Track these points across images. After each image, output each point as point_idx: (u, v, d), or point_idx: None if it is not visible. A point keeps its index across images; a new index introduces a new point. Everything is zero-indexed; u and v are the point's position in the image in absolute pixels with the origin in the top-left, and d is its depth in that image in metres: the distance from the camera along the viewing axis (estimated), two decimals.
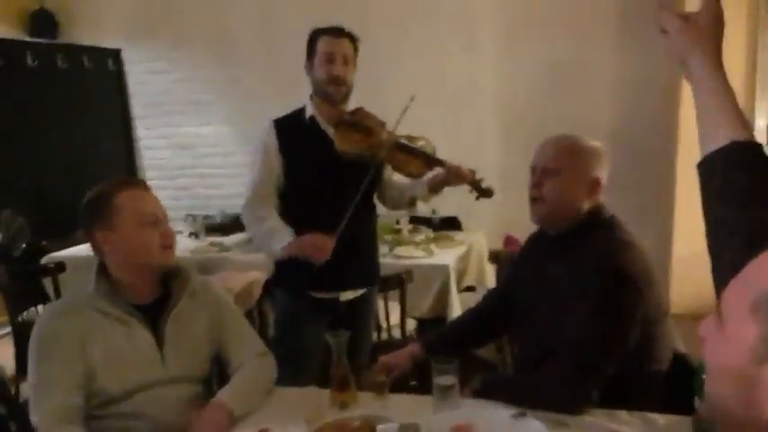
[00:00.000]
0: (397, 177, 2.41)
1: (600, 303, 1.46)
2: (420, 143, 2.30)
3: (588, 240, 1.57)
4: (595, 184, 1.61)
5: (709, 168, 0.94)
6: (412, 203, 2.38)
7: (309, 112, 2.24)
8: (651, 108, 3.92)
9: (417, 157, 2.26)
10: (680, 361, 1.61)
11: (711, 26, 0.97)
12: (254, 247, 2.24)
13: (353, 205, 2.12)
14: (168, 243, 1.58)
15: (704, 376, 0.72)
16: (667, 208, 3.96)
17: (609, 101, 4.01)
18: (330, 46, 2.16)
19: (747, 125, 0.94)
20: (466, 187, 2.27)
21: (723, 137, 0.92)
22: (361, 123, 2.23)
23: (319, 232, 2.12)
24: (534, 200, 1.65)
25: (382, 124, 2.27)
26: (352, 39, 2.21)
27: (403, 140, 2.26)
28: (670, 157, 3.94)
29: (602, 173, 1.63)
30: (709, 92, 0.95)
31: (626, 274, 1.47)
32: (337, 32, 2.19)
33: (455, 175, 2.22)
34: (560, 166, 1.61)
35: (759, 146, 0.92)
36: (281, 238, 2.15)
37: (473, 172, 2.25)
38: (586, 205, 1.61)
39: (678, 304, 3.25)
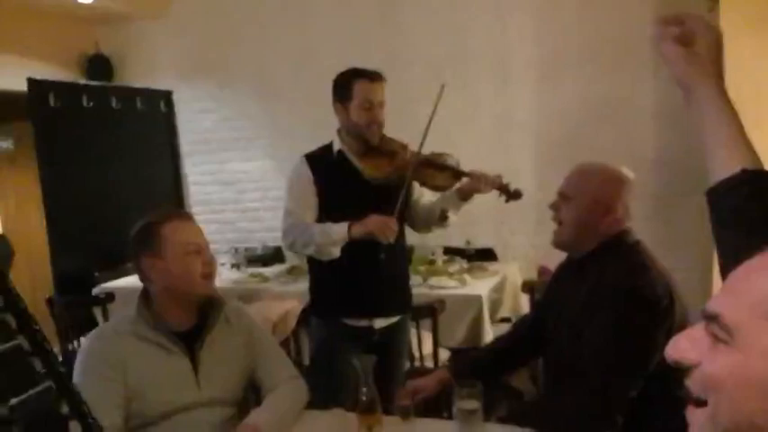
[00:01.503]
0: (426, 198, 2.45)
1: (619, 327, 1.48)
2: (444, 157, 2.34)
3: (608, 263, 1.60)
4: (608, 209, 1.64)
5: (719, 196, 0.96)
6: (443, 218, 2.39)
7: (337, 146, 2.32)
8: (689, 139, 3.87)
9: (443, 171, 2.30)
10: None
11: (714, 52, 0.98)
12: (314, 251, 2.24)
13: (402, 198, 2.19)
14: (208, 271, 1.66)
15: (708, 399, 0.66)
16: (709, 240, 3.88)
17: (646, 132, 3.97)
18: (370, 93, 2.22)
19: (755, 153, 0.95)
20: (495, 193, 2.29)
21: (732, 165, 0.93)
22: (385, 149, 2.29)
23: (361, 258, 2.19)
24: (556, 223, 1.72)
25: (405, 146, 2.33)
26: (384, 80, 2.27)
27: (427, 156, 2.30)
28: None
29: (618, 197, 1.65)
30: (717, 121, 0.96)
31: (644, 296, 1.48)
32: (374, 78, 2.24)
33: (483, 182, 2.25)
34: (573, 191, 1.68)
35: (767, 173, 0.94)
36: (340, 225, 2.19)
37: (500, 176, 2.27)
38: (604, 229, 1.64)
39: None
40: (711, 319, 0.65)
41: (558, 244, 1.74)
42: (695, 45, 0.98)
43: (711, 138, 0.97)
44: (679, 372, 0.67)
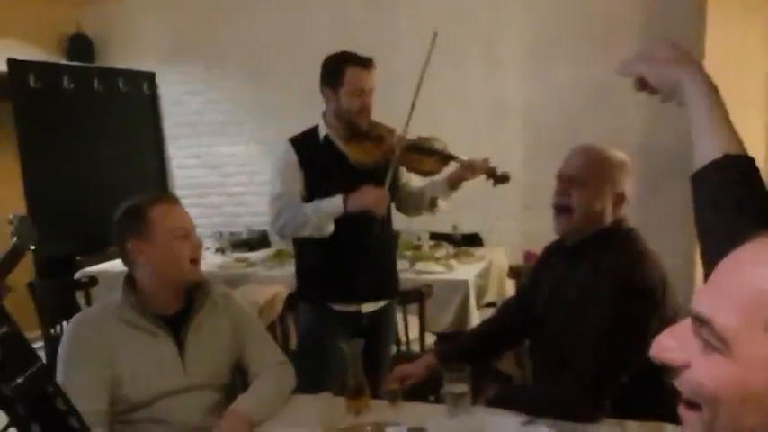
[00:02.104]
0: (415, 182, 2.45)
1: (615, 314, 1.47)
2: (431, 142, 2.33)
3: (606, 251, 1.58)
4: (620, 198, 1.62)
5: (703, 180, 0.97)
6: (433, 204, 2.39)
7: (323, 131, 2.30)
8: (678, 124, 3.87)
9: (431, 156, 2.29)
10: None
11: (683, 52, 1.00)
12: (309, 231, 2.20)
13: (389, 179, 2.18)
14: (196, 256, 1.64)
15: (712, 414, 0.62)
16: (692, 226, 3.92)
17: (635, 118, 3.99)
18: (361, 81, 2.20)
19: (740, 140, 0.96)
20: (482, 177, 2.29)
21: (717, 151, 0.94)
22: (371, 133, 2.27)
23: (348, 242, 2.19)
24: (560, 209, 1.64)
25: (392, 130, 2.31)
26: (374, 66, 2.25)
27: (414, 141, 2.29)
28: None
29: (627, 186, 1.64)
30: (704, 109, 0.97)
31: (641, 285, 1.48)
32: (365, 64, 2.21)
33: (470, 168, 2.24)
34: (589, 177, 1.61)
35: (751, 159, 0.95)
36: (332, 200, 2.17)
37: (486, 161, 2.26)
38: (610, 218, 1.62)
39: None
40: (702, 323, 0.61)
41: (567, 232, 1.67)
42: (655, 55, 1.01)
43: (695, 124, 0.98)
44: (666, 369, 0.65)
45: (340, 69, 2.21)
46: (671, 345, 0.64)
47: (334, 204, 2.17)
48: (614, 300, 1.48)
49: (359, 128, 2.25)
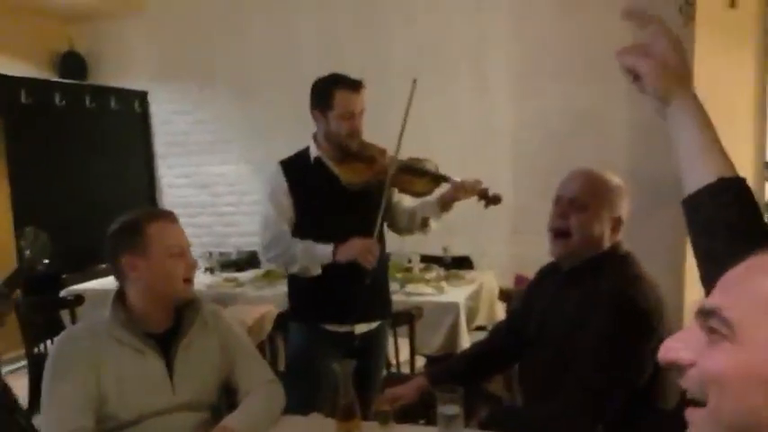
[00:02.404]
0: (407, 201, 2.45)
1: (611, 337, 1.46)
2: (423, 163, 2.33)
3: (603, 275, 1.57)
4: (618, 222, 1.62)
5: (698, 204, 0.96)
6: (425, 224, 2.38)
7: (314, 153, 2.30)
8: (664, 151, 3.93)
9: (423, 177, 2.29)
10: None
11: (680, 59, 0.99)
12: (295, 269, 2.26)
13: (381, 213, 2.18)
14: (190, 276, 1.63)
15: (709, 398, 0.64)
16: (680, 252, 3.95)
17: (622, 145, 4.03)
18: (350, 103, 2.20)
19: (730, 161, 0.96)
20: (474, 199, 2.28)
21: (710, 174, 0.94)
22: (362, 154, 2.28)
23: (341, 264, 2.17)
24: (558, 233, 1.63)
25: (383, 151, 2.32)
26: (364, 87, 2.25)
27: (406, 162, 2.30)
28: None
29: (624, 210, 1.64)
30: (693, 131, 0.96)
31: (639, 309, 1.47)
32: (354, 87, 2.21)
33: (462, 189, 2.24)
34: (588, 200, 1.60)
35: (743, 180, 0.95)
36: (324, 247, 2.19)
37: (479, 182, 2.26)
38: (608, 242, 1.62)
39: None
40: (709, 314, 0.64)
41: (563, 256, 1.66)
42: (665, 58, 0.98)
43: (687, 147, 0.97)
44: (673, 372, 0.66)
45: (329, 92, 2.20)
46: (677, 345, 0.66)
47: (324, 253, 2.19)
48: (610, 323, 1.47)
49: (350, 149, 2.25)
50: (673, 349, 0.66)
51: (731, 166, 0.96)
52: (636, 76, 1.01)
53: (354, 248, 2.16)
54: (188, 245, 1.66)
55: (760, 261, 0.65)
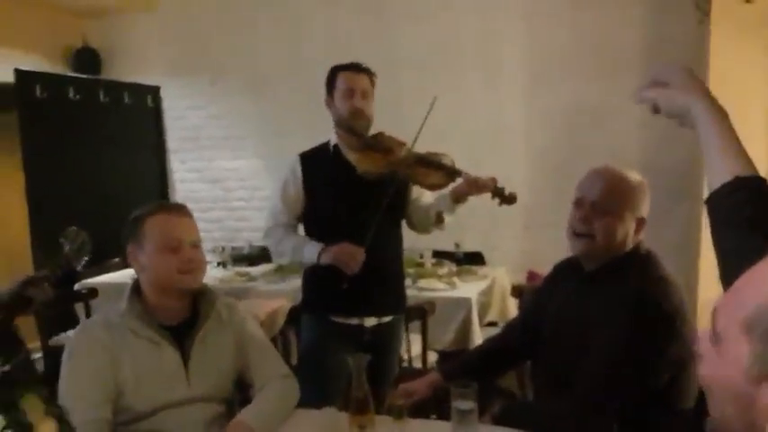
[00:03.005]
0: (426, 198, 2.45)
1: (633, 337, 1.45)
2: (439, 156, 2.33)
3: (625, 276, 1.56)
4: (641, 223, 1.61)
5: (716, 203, 0.98)
6: (439, 220, 2.38)
7: (333, 141, 2.35)
8: (676, 148, 3.92)
9: (438, 170, 2.29)
10: (705, 400, 1.59)
11: (691, 76, 1.04)
12: (286, 262, 2.38)
13: (378, 217, 2.19)
14: (186, 269, 1.60)
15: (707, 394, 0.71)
16: (694, 249, 3.93)
17: (634, 141, 4.01)
18: (350, 81, 2.27)
19: (750, 161, 0.98)
20: (487, 196, 2.26)
21: (727, 173, 0.97)
22: (380, 144, 2.30)
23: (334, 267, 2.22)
24: (580, 235, 1.62)
25: (401, 144, 2.33)
26: (370, 74, 2.32)
27: (422, 155, 2.30)
28: (696, 198, 3.93)
29: (646, 209, 1.62)
30: (714, 133, 0.99)
31: (664, 312, 1.46)
32: (356, 68, 2.30)
33: (475, 184, 2.23)
34: (611, 204, 1.58)
35: (762, 179, 0.97)
36: (312, 248, 2.26)
37: (494, 180, 2.24)
38: (632, 243, 1.61)
39: None
40: (711, 314, 0.69)
41: (586, 255, 1.65)
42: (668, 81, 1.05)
43: (707, 148, 1.00)
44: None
45: (333, 77, 2.31)
46: (701, 335, 0.72)
47: (310, 254, 2.26)
48: (634, 324, 1.46)
49: (355, 131, 2.27)
50: (698, 338, 0.72)
51: (750, 165, 0.98)
52: (656, 108, 1.07)
53: (337, 253, 2.20)
54: (191, 239, 1.63)
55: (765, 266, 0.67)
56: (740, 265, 0.88)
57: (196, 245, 1.65)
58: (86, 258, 2.00)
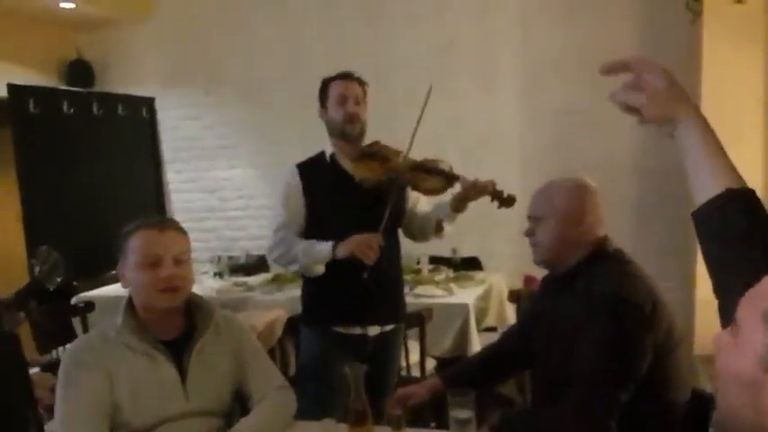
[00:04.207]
0: (422, 206, 2.45)
1: (606, 333, 1.48)
2: (437, 162, 2.34)
3: (592, 274, 1.61)
4: (579, 220, 1.66)
5: (706, 216, 0.97)
6: (439, 228, 2.39)
7: (329, 151, 2.34)
8: (670, 150, 3.92)
9: (436, 175, 2.29)
10: (699, 397, 1.60)
11: (670, 85, 1.00)
12: (299, 269, 2.33)
13: (390, 206, 2.19)
14: (163, 286, 1.57)
15: (716, 390, 0.73)
16: (690, 249, 3.94)
17: (629, 144, 4.02)
18: (342, 88, 2.28)
19: (737, 172, 0.98)
20: (485, 199, 2.26)
21: (718, 185, 0.95)
22: (377, 152, 2.31)
23: (354, 264, 2.17)
24: (533, 245, 1.74)
25: (398, 152, 2.33)
26: (361, 82, 2.33)
27: (420, 161, 2.31)
28: (691, 199, 3.93)
29: (584, 206, 1.67)
30: (701, 145, 0.98)
31: (630, 302, 1.50)
32: (347, 76, 2.32)
33: (473, 188, 2.22)
34: (540, 212, 1.71)
35: (752, 191, 0.96)
36: (324, 245, 2.22)
37: (492, 183, 2.24)
38: (581, 238, 1.66)
39: (703, 346, 3.19)
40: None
41: (539, 262, 1.76)
42: (648, 86, 1.00)
43: (694, 162, 0.99)
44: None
45: (326, 87, 2.33)
46: (717, 333, 0.74)
47: (323, 250, 2.22)
48: (604, 319, 1.49)
49: (350, 136, 2.27)
50: (716, 336, 0.74)
51: (738, 177, 0.97)
52: (631, 109, 1.04)
53: (353, 243, 2.16)
54: (174, 253, 1.58)
55: None
56: (735, 282, 0.87)
57: (180, 260, 1.60)
58: (59, 279, 1.99)
